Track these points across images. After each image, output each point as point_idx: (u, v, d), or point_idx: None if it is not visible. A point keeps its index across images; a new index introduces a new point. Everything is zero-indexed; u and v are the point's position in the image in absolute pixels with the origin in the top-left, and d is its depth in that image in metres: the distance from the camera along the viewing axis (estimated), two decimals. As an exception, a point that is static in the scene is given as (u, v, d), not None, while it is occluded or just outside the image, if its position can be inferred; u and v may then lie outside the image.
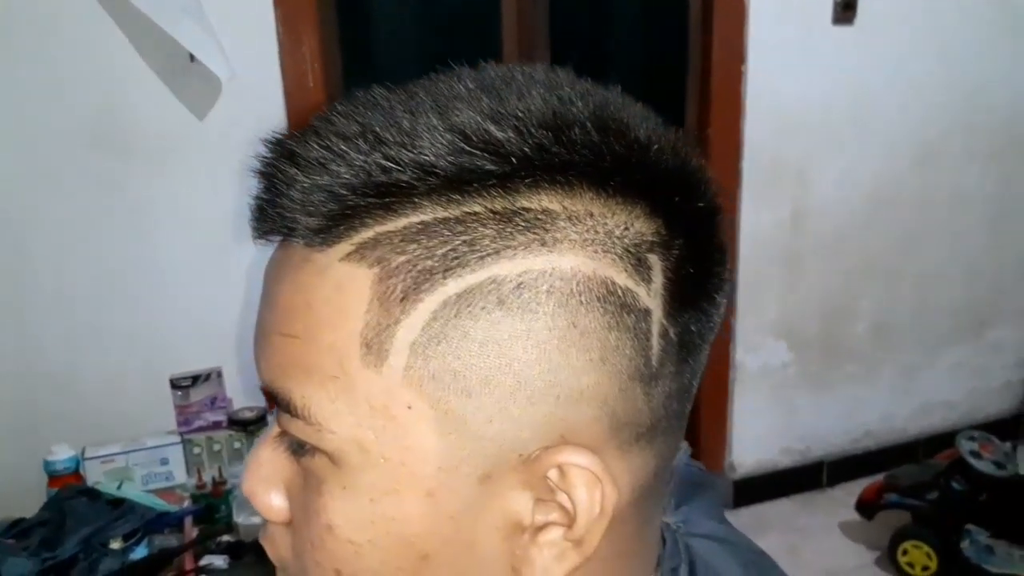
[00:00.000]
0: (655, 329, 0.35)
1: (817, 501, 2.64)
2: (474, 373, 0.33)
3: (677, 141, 0.37)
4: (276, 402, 0.36)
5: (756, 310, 2.48)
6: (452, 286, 0.33)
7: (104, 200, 1.72)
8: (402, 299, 0.33)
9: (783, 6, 2.26)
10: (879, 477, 2.33)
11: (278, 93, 1.82)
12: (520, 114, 0.33)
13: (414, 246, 0.33)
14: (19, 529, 1.51)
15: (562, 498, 0.35)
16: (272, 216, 0.35)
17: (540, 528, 0.36)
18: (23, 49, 1.64)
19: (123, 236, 1.75)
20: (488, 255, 0.33)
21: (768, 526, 2.51)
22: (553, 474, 0.35)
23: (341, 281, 0.34)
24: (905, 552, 2.24)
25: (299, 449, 0.37)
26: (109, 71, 1.68)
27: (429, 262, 0.33)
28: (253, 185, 0.36)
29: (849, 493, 2.45)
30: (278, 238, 0.36)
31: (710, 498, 0.51)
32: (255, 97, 1.79)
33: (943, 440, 2.65)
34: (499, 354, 0.33)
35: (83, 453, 1.65)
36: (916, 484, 2.24)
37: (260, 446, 0.40)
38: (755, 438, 2.59)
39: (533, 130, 0.33)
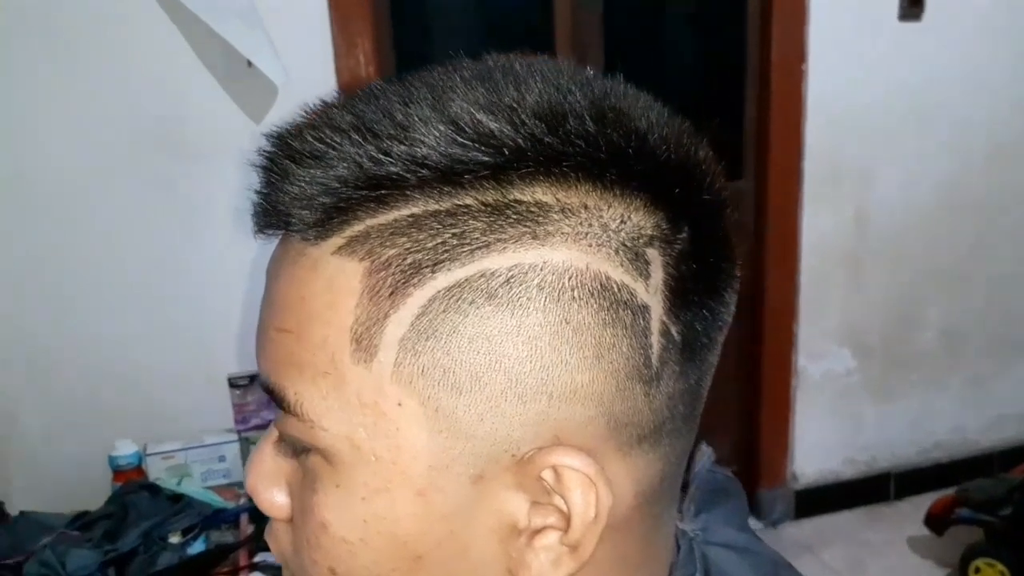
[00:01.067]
0: (655, 327, 0.34)
1: (883, 514, 2.55)
2: (464, 370, 0.32)
3: (682, 131, 0.36)
4: (272, 398, 0.36)
5: (818, 315, 2.41)
6: (441, 280, 0.32)
7: (165, 200, 1.77)
8: (391, 293, 0.33)
9: (845, 2, 2.20)
10: (950, 491, 2.24)
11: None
12: (515, 105, 0.33)
13: (404, 239, 0.32)
14: (83, 522, 1.56)
15: (558, 501, 0.34)
16: (270, 210, 0.35)
17: (537, 531, 0.35)
18: (95, 56, 1.70)
19: (183, 236, 1.80)
20: (478, 248, 0.32)
21: (830, 539, 2.43)
22: (548, 476, 0.34)
23: (333, 275, 0.34)
24: (977, 570, 2.15)
25: (297, 446, 0.37)
26: (172, 76, 1.73)
27: (418, 255, 0.32)
28: (254, 179, 0.36)
29: (917, 507, 2.36)
30: (277, 232, 0.36)
31: (733, 505, 0.49)
32: (310, 100, 1.82)
33: (1018, 454, 2.54)
34: (489, 350, 0.32)
35: (145, 449, 1.70)
36: (989, 499, 2.15)
37: (263, 442, 0.40)
38: (817, 447, 2.52)
39: (527, 120, 0.32)
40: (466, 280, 0.32)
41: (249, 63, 1.66)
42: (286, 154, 0.34)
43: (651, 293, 0.34)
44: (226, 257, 1.82)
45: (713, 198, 0.36)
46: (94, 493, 1.65)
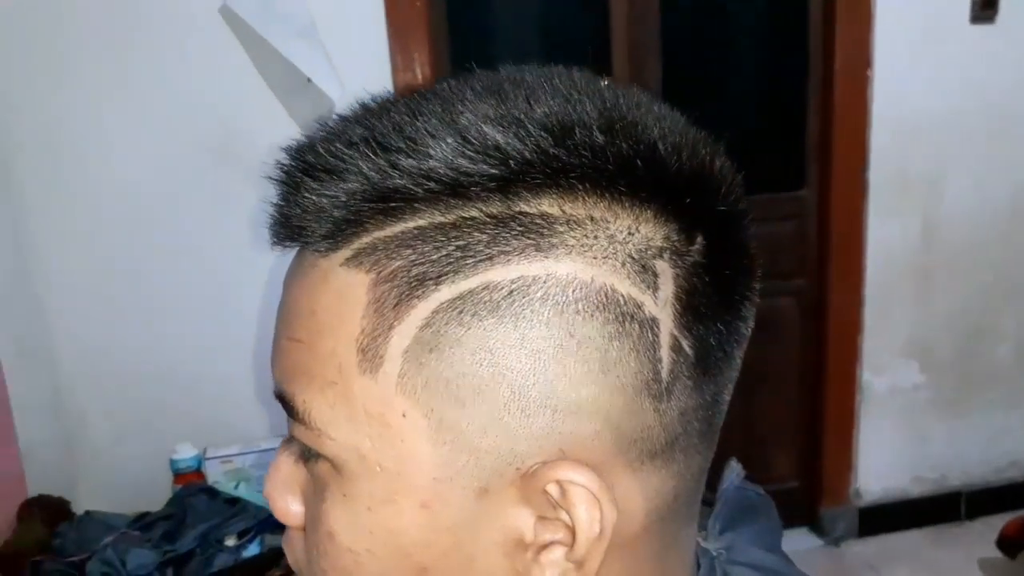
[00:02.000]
0: (664, 340, 0.33)
1: (953, 535, 2.45)
2: (467, 382, 0.32)
3: (697, 141, 0.35)
4: (283, 406, 0.36)
5: (884, 329, 2.34)
6: (445, 292, 0.32)
7: (226, 214, 1.82)
8: (395, 305, 0.33)
9: (913, 5, 2.13)
10: (1024, 512, 2.14)
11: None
12: (522, 117, 0.33)
13: (409, 251, 0.33)
14: (144, 522, 1.61)
15: (564, 516, 0.34)
16: (284, 223, 0.35)
17: (543, 547, 0.34)
18: (162, 74, 1.76)
19: (243, 248, 1.84)
20: (482, 260, 0.32)
21: (896, 558, 2.35)
22: (554, 491, 0.33)
23: (341, 287, 0.34)
24: (1053, 596, 2.05)
25: (307, 455, 0.37)
26: (234, 93, 1.78)
27: (423, 267, 0.32)
28: (271, 192, 0.37)
29: (990, 528, 2.26)
30: (293, 244, 0.37)
31: (763, 525, 0.47)
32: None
33: (1100, 475, 2.41)
34: (492, 363, 0.32)
35: (204, 453, 1.75)
36: (1067, 522, 2.05)
37: (281, 451, 0.40)
38: (883, 464, 2.44)
39: (534, 132, 0.32)
40: (469, 292, 0.32)
41: (308, 79, 1.70)
42: (300, 168, 0.34)
43: (660, 306, 0.33)
44: (280, 270, 1.86)
45: (729, 209, 0.35)
46: (155, 495, 1.70)
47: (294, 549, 0.40)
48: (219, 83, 1.78)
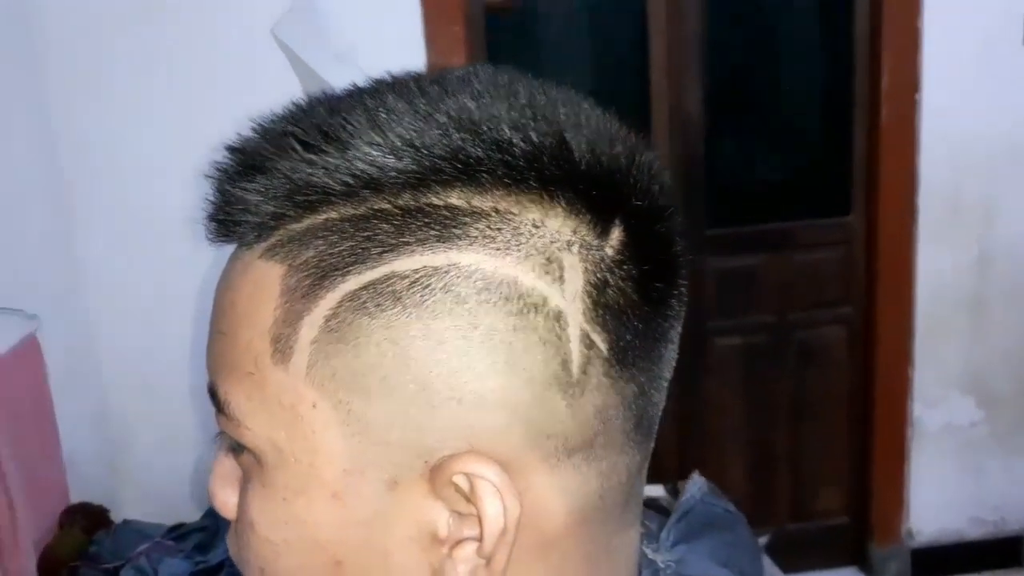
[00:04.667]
0: (573, 334, 0.33)
1: (1014, 581, 2.33)
2: (374, 373, 0.32)
3: (616, 137, 0.35)
4: (211, 399, 0.37)
5: (937, 361, 2.26)
6: (352, 282, 0.32)
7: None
8: (304, 295, 0.33)
9: (963, 26, 2.08)
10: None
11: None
12: (435, 114, 0.33)
13: (319, 242, 0.33)
14: (179, 533, 1.64)
15: (473, 511, 0.33)
16: (216, 218, 0.36)
17: (458, 542, 0.34)
18: (213, 91, 1.82)
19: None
20: (386, 251, 0.32)
21: (950, 603, 2.24)
22: (464, 484, 0.33)
23: (258, 278, 0.35)
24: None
25: (235, 447, 0.38)
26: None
27: (331, 259, 0.33)
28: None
29: (1053, 574, 2.15)
30: (224, 240, 0.38)
31: (722, 539, 0.46)
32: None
33: None
34: (396, 354, 0.32)
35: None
36: None
37: (219, 446, 0.41)
38: (937, 504, 2.34)
39: (444, 128, 0.33)
40: (373, 283, 0.32)
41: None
42: (230, 165, 0.36)
43: (568, 300, 0.33)
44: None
45: (648, 204, 0.35)
46: (193, 506, 1.74)
47: (233, 542, 0.41)
48: (267, 101, 1.83)
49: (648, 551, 0.43)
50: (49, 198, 1.82)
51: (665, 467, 2.21)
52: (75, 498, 1.70)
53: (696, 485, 0.48)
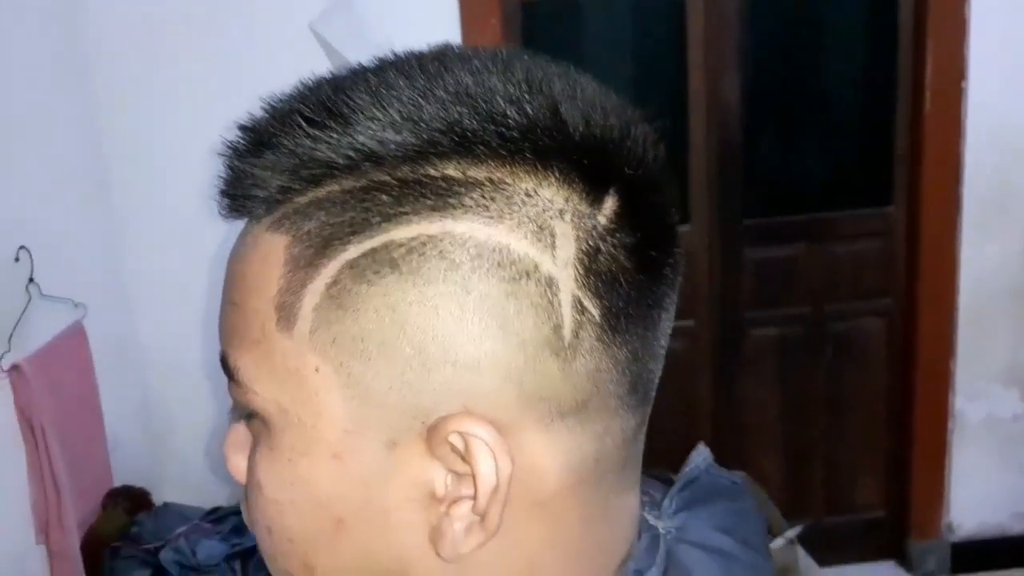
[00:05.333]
0: (565, 299, 0.34)
1: (1058, 579, 2.28)
2: (372, 338, 0.34)
3: (610, 109, 0.36)
4: (223, 367, 0.39)
5: (979, 354, 2.21)
6: (352, 251, 0.34)
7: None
8: (307, 264, 0.34)
9: (1011, 15, 2.03)
10: None
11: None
12: (435, 89, 0.34)
13: (322, 213, 0.34)
14: (216, 515, 1.69)
15: (469, 471, 0.34)
16: (228, 194, 0.38)
17: (455, 501, 0.35)
18: (253, 85, 1.86)
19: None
20: (384, 221, 0.33)
21: (992, 600, 2.20)
22: (459, 444, 0.34)
23: (265, 249, 0.36)
24: None
25: (245, 413, 0.39)
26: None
27: (332, 228, 0.34)
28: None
29: (1099, 572, 2.10)
30: (234, 215, 0.39)
31: (724, 508, 0.46)
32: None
33: None
34: (394, 319, 0.33)
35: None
36: None
37: (232, 414, 0.43)
38: (978, 498, 2.29)
39: (442, 102, 0.34)
40: (372, 251, 0.33)
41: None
42: (240, 143, 0.37)
43: (560, 266, 0.33)
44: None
45: (641, 174, 0.35)
46: (229, 491, 1.78)
47: (244, 506, 0.42)
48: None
49: (649, 518, 0.43)
50: (96, 193, 1.88)
51: (700, 459, 2.20)
52: (118, 481, 1.75)
53: (701, 456, 0.49)
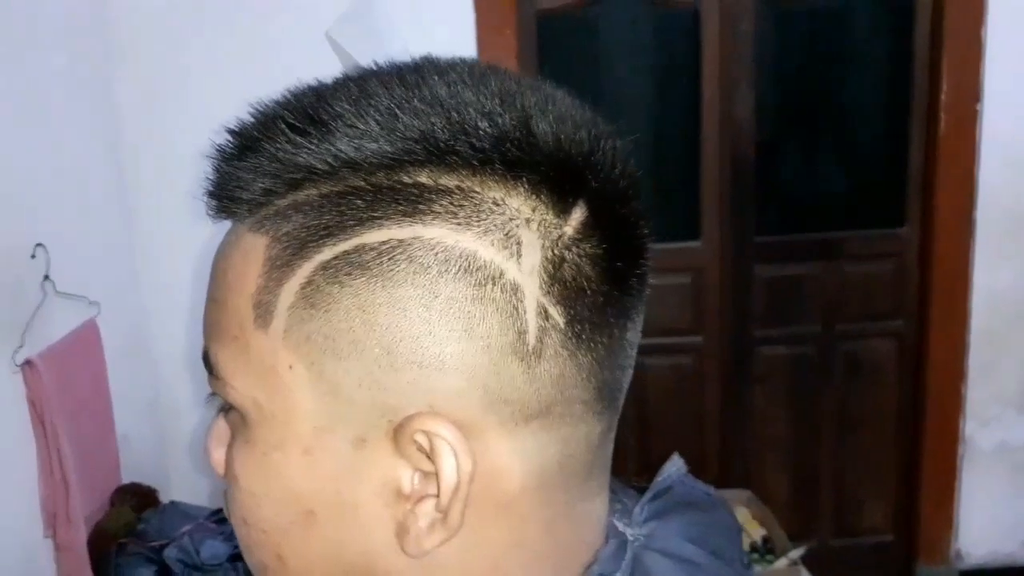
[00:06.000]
0: (529, 306, 0.35)
1: (1069, 610, 2.25)
2: (343, 337, 0.35)
3: (580, 124, 0.37)
4: (204, 362, 0.40)
5: (990, 378, 2.19)
6: (326, 253, 0.35)
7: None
8: (284, 265, 0.36)
9: (1027, 36, 2.03)
10: None
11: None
12: (413, 101, 0.36)
13: (300, 216, 0.36)
14: (221, 516, 1.70)
15: (435, 470, 0.36)
16: (214, 195, 0.39)
17: (421, 498, 0.36)
18: (273, 96, 1.89)
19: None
20: (357, 224, 0.35)
21: (999, 629, 2.18)
22: (424, 443, 0.35)
23: (246, 249, 0.38)
24: None
25: (224, 407, 0.41)
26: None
27: (308, 231, 0.36)
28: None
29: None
30: (221, 215, 0.40)
31: (694, 518, 0.47)
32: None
33: None
34: (363, 320, 0.35)
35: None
36: None
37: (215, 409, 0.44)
38: (988, 526, 2.27)
39: (418, 113, 0.35)
40: (344, 253, 0.35)
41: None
42: (226, 146, 0.39)
43: (525, 273, 0.35)
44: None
45: (608, 187, 0.36)
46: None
47: (224, 498, 0.44)
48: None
49: (619, 524, 0.44)
50: (113, 193, 1.91)
51: (708, 475, 2.19)
52: (127, 478, 1.77)
53: (675, 466, 0.49)
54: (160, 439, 1.98)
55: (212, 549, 1.59)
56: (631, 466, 2.13)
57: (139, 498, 1.73)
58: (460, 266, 0.34)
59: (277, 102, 0.39)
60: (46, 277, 1.56)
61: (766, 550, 1.83)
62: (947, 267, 2.17)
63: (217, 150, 0.39)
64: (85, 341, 1.69)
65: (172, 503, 1.75)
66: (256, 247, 0.37)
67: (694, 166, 2.22)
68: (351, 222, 0.35)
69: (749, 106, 2.19)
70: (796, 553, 1.79)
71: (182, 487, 1.89)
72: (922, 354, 2.23)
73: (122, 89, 1.91)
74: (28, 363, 1.49)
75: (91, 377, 1.70)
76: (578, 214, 0.36)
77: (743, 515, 1.95)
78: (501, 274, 0.34)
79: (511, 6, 2.02)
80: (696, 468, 0.50)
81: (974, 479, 2.24)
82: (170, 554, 1.58)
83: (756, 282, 2.28)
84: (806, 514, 2.34)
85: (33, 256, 1.54)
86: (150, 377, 1.95)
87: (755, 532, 1.89)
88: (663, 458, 0.50)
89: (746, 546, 1.85)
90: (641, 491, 0.49)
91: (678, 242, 2.27)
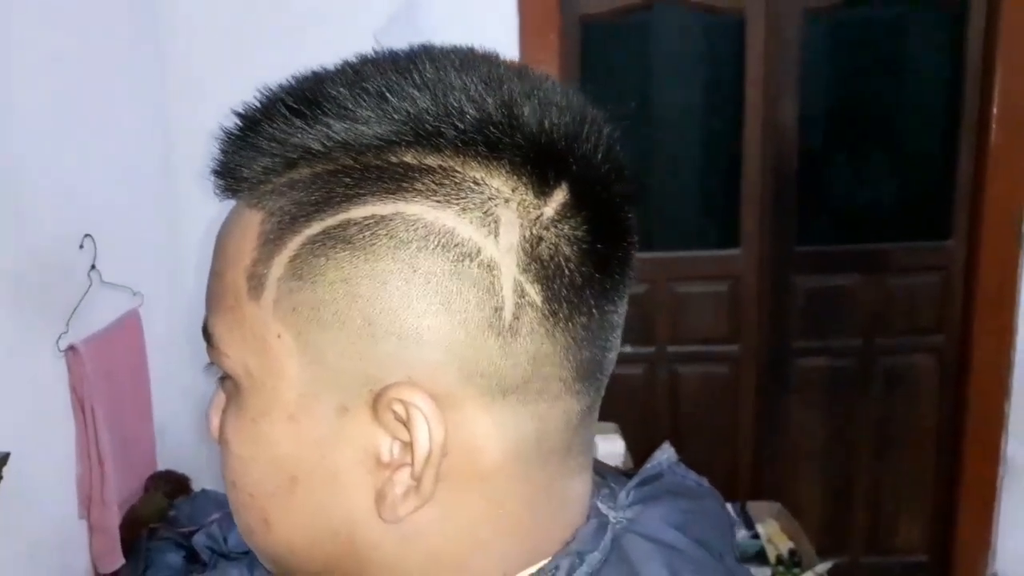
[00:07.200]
0: (506, 283, 0.36)
1: (1114, 640, 2.17)
2: (328, 308, 0.36)
3: (565, 109, 0.37)
4: (203, 332, 0.42)
5: (1037, 397, 2.13)
6: (314, 227, 0.37)
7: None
8: (275, 239, 0.38)
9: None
10: None
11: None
12: (403, 86, 0.37)
13: (293, 192, 0.38)
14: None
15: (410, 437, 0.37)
16: (220, 174, 0.41)
17: (399, 467, 0.37)
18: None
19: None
20: (344, 201, 0.36)
21: (1039, 657, 2.11)
22: (402, 412, 0.36)
23: (244, 224, 0.39)
24: None
25: (221, 376, 0.42)
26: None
27: (299, 207, 0.37)
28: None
29: None
30: (227, 194, 0.42)
31: (682, 505, 0.47)
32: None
33: None
34: (347, 292, 0.36)
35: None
36: None
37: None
38: (1029, 549, 2.21)
39: (407, 97, 0.36)
40: (330, 228, 0.36)
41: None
42: (233, 128, 0.40)
43: (502, 251, 0.36)
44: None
45: (589, 170, 0.37)
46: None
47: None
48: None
49: (603, 507, 0.44)
50: (161, 188, 1.97)
51: (739, 486, 2.17)
52: (162, 466, 1.82)
53: (664, 454, 0.49)
54: (197, 429, 2.02)
55: (239, 537, 1.62)
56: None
57: (172, 485, 1.77)
58: (439, 242, 0.35)
59: (280, 86, 0.41)
60: (93, 267, 1.61)
61: (793, 563, 1.81)
62: (993, 281, 2.12)
63: (223, 132, 0.41)
64: (127, 330, 1.74)
65: (203, 491, 1.78)
66: (252, 222, 0.39)
67: (736, 173, 2.21)
68: (338, 199, 0.36)
69: (793, 114, 2.17)
70: (823, 567, 1.76)
71: (216, 477, 1.92)
72: (964, 370, 2.18)
73: (174, 85, 1.96)
74: (72, 349, 1.54)
75: (132, 366, 1.75)
76: (559, 196, 0.37)
77: (772, 528, 1.92)
78: (479, 251, 0.35)
79: (555, 10, 2.03)
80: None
81: (1014, 500, 2.18)
82: (199, 540, 1.60)
83: (796, 292, 2.26)
84: (838, 529, 2.30)
85: (81, 246, 1.59)
86: (189, 368, 2.00)
87: (782, 545, 1.87)
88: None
89: (772, 559, 1.82)
90: (631, 478, 0.49)
91: (718, 249, 2.25)
